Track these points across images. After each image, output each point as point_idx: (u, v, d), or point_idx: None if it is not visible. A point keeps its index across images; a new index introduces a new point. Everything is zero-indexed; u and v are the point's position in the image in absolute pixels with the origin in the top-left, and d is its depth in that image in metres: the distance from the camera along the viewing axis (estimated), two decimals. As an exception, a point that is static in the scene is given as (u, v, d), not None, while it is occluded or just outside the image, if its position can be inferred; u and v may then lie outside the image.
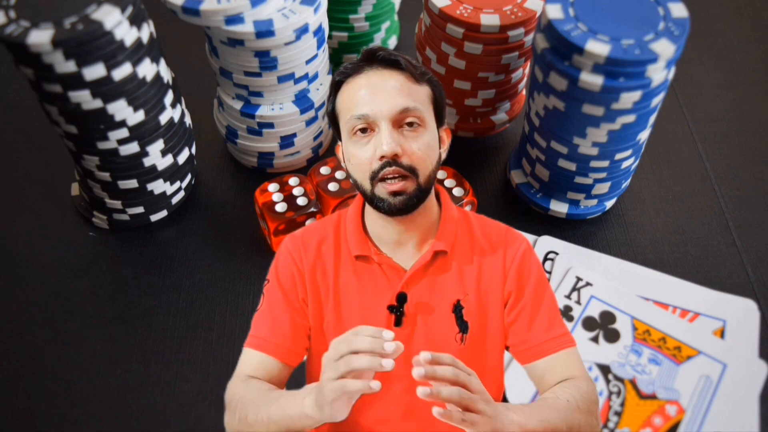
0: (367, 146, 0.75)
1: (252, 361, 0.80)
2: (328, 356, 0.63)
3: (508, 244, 0.83)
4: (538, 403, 0.73)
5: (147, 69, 1.19)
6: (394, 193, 0.74)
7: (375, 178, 0.75)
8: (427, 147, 0.76)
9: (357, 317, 0.81)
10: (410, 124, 0.75)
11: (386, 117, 0.74)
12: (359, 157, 0.76)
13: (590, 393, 0.77)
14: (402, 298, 0.79)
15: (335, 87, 0.80)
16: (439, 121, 0.81)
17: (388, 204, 0.75)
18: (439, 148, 0.81)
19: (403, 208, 0.75)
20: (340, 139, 0.82)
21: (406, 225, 0.79)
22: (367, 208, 0.82)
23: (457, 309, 0.80)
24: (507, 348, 0.84)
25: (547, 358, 0.80)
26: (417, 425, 0.81)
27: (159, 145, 1.28)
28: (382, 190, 0.75)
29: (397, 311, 0.79)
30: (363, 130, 0.76)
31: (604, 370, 1.22)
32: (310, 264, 0.82)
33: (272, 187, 1.33)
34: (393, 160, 0.74)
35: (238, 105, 1.38)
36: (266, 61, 1.28)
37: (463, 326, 0.80)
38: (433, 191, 0.82)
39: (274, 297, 0.82)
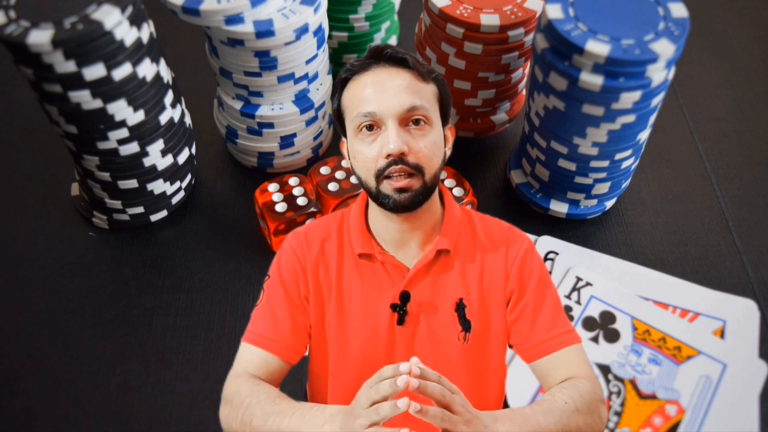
0: (374, 144, 0.75)
1: (252, 357, 0.80)
2: (361, 404, 0.64)
3: (510, 243, 0.83)
4: (533, 408, 0.72)
5: (147, 69, 1.19)
6: (400, 190, 0.74)
7: (381, 175, 0.75)
8: (433, 145, 0.76)
9: (360, 315, 0.81)
10: (416, 122, 0.75)
11: (393, 115, 0.74)
12: (365, 155, 0.76)
13: (591, 392, 0.76)
14: (405, 296, 0.79)
15: (341, 84, 0.80)
16: (445, 120, 0.81)
17: (394, 201, 0.75)
18: (444, 146, 0.81)
19: (408, 205, 0.75)
20: (345, 136, 0.81)
21: (409, 223, 0.79)
22: (371, 206, 0.82)
23: (460, 308, 0.80)
24: (511, 346, 0.84)
25: (550, 356, 0.79)
26: (418, 426, 0.81)
27: (159, 145, 1.28)
28: (387, 186, 0.75)
29: (400, 310, 0.79)
30: (369, 128, 0.75)
31: (604, 370, 1.22)
32: (313, 261, 0.82)
33: (272, 187, 1.34)
34: (399, 159, 0.74)
35: (238, 105, 1.38)
36: (266, 61, 1.28)
37: (465, 325, 0.80)
38: (437, 190, 0.82)
39: (275, 293, 0.82)
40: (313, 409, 0.70)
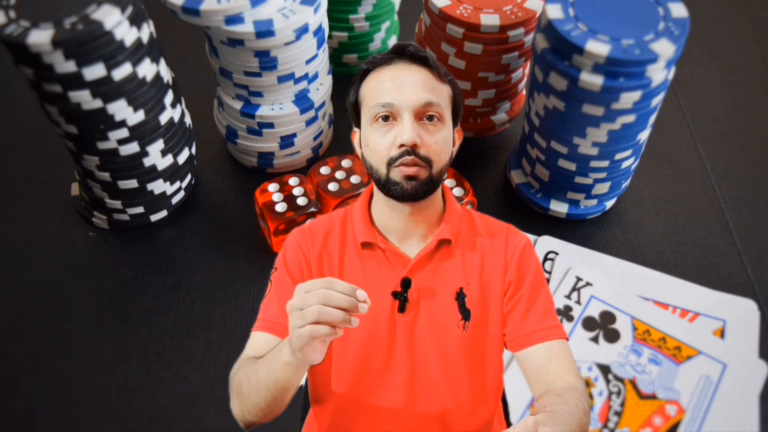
0: (388, 134, 0.78)
1: (258, 342, 0.82)
2: (294, 304, 0.65)
3: (509, 237, 0.86)
4: (562, 414, 0.73)
5: (147, 69, 1.19)
6: (408, 177, 0.77)
7: (392, 164, 0.78)
8: (444, 142, 0.80)
9: None
10: (430, 118, 0.79)
11: (410, 108, 0.77)
12: (378, 144, 0.79)
13: (585, 391, 0.79)
14: (406, 283, 0.81)
15: (361, 76, 0.84)
16: (455, 122, 0.84)
17: (402, 188, 0.78)
18: (452, 146, 0.84)
19: (414, 193, 0.78)
20: (358, 127, 0.85)
21: (413, 215, 0.82)
22: (375, 199, 0.85)
23: (460, 297, 0.82)
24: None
25: (538, 346, 0.81)
26: (418, 413, 0.82)
27: (159, 145, 1.28)
28: (397, 173, 0.78)
29: (401, 297, 0.80)
30: (385, 118, 0.78)
31: (604, 370, 1.22)
32: (317, 253, 0.84)
33: (272, 187, 1.34)
34: (412, 150, 0.77)
35: (238, 105, 1.38)
36: (266, 61, 1.28)
37: (465, 313, 0.82)
38: (440, 187, 0.84)
39: (283, 282, 0.84)
40: (279, 345, 0.73)
